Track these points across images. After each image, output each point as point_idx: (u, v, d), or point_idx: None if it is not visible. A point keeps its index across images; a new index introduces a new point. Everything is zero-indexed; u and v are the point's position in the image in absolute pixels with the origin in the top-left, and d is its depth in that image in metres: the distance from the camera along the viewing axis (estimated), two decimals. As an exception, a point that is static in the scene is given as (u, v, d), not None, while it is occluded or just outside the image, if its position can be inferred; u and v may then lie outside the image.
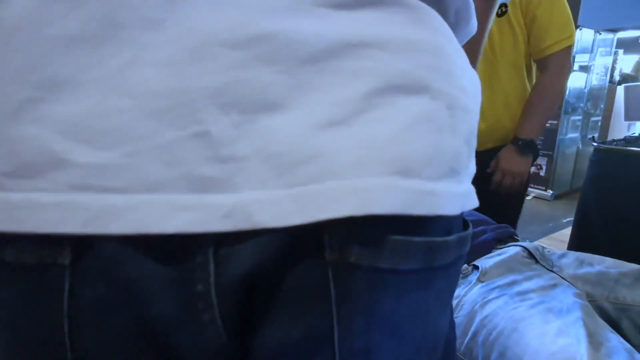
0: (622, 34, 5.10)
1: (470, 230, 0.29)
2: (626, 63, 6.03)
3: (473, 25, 0.30)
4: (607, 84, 4.10)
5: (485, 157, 1.26)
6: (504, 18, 1.17)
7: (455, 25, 0.28)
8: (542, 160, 3.49)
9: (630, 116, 1.35)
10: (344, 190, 0.20)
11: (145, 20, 0.19)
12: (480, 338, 0.57)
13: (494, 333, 0.55)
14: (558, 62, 1.16)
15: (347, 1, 0.22)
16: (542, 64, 1.18)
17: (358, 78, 0.21)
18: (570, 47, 1.16)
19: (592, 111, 3.85)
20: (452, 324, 0.32)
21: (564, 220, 2.59)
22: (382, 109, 0.22)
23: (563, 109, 3.36)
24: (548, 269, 0.68)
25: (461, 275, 0.70)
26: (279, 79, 0.20)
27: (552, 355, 0.48)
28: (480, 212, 1.35)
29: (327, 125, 0.21)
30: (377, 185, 0.21)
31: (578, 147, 3.76)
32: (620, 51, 4.57)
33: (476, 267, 0.70)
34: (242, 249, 0.21)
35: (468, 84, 0.26)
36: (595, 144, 1.54)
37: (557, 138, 3.42)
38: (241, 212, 0.20)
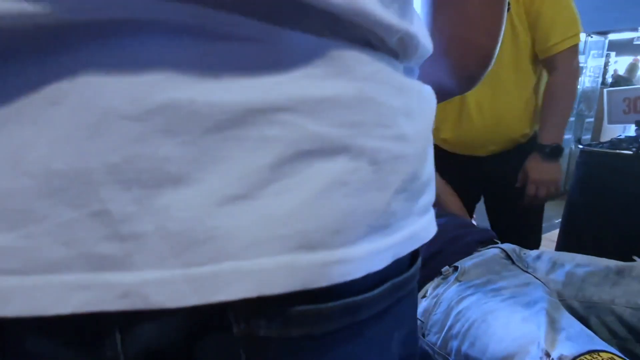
0: (614, 36, 5.13)
1: (417, 265, 0.29)
2: (620, 65, 6.06)
3: (424, 48, 0.29)
4: (599, 86, 4.15)
5: (489, 162, 1.26)
6: (511, 11, 1.15)
7: (404, 52, 0.27)
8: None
9: (612, 120, 1.39)
10: (238, 272, 0.20)
11: (48, 95, 0.19)
12: (454, 331, 0.60)
13: (466, 325, 0.58)
14: (565, 60, 1.13)
15: (258, 62, 0.21)
16: (550, 63, 1.15)
17: (266, 146, 0.20)
18: (576, 45, 1.14)
19: (586, 113, 3.90)
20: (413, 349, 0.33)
21: (556, 221, 2.61)
22: (292, 178, 0.21)
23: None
24: (523, 270, 0.72)
25: (442, 276, 0.74)
26: (181, 151, 0.19)
27: (514, 340, 0.52)
28: (499, 223, 1.34)
29: (229, 200, 0.20)
30: (272, 265, 0.20)
31: (571, 148, 3.81)
32: (613, 53, 4.63)
33: (456, 268, 0.74)
34: (147, 326, 0.22)
35: (409, 127, 0.25)
36: (581, 146, 1.58)
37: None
38: (138, 292, 0.20)
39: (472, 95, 1.23)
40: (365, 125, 0.23)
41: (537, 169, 1.14)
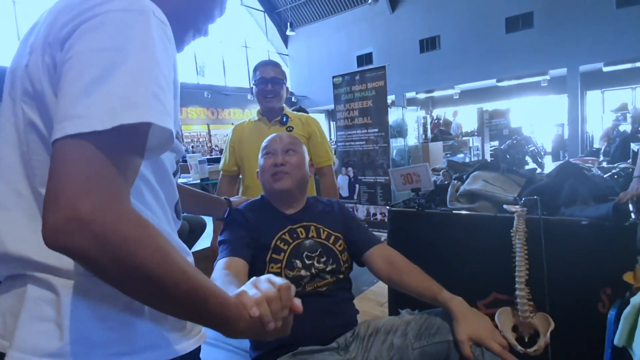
0: (437, 93, 6.59)
1: None
2: (448, 114, 7.59)
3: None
4: (420, 142, 5.28)
5: None
6: (294, 133, 1.88)
7: None
8: (384, 209, 4.28)
9: (398, 189, 1.96)
10: None
11: None
12: None
13: None
14: (330, 171, 2.00)
15: None
16: (320, 170, 2.00)
17: None
18: (331, 165, 2.02)
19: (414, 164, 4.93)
20: None
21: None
22: None
23: (391, 166, 4.24)
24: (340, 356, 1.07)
25: None
26: None
27: None
28: None
29: None
30: None
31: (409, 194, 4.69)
32: (428, 115, 6.01)
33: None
34: None
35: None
36: (387, 207, 2.11)
37: (391, 189, 4.25)
38: None
39: None
40: None
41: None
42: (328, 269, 1.16)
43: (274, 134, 1.30)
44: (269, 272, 1.09)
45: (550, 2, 10.11)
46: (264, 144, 1.28)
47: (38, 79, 0.48)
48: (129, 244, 0.41)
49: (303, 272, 1.12)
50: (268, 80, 1.85)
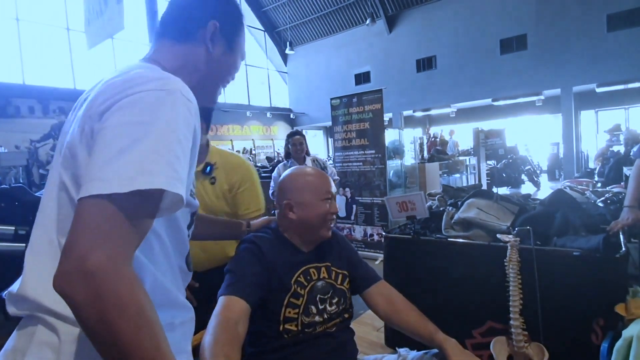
0: (435, 111, 6.66)
1: None
2: (445, 132, 7.62)
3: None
4: (417, 162, 5.33)
5: (208, 276, 1.45)
6: (216, 185, 1.60)
7: None
8: (381, 230, 4.30)
9: (393, 216, 1.99)
10: None
11: None
12: None
13: None
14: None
15: None
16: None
17: None
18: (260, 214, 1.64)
19: (410, 185, 4.95)
20: None
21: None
22: None
23: (388, 186, 4.28)
24: None
25: None
26: None
27: None
28: None
29: None
30: None
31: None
32: (425, 136, 6.09)
33: None
34: None
35: None
36: (383, 233, 2.13)
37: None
38: None
39: None
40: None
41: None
42: (339, 309, 1.20)
43: (325, 175, 1.25)
44: (284, 316, 1.10)
45: (542, 25, 10.34)
46: (324, 187, 1.21)
47: (75, 145, 0.55)
48: (115, 303, 0.44)
49: (317, 318, 1.15)
50: None
